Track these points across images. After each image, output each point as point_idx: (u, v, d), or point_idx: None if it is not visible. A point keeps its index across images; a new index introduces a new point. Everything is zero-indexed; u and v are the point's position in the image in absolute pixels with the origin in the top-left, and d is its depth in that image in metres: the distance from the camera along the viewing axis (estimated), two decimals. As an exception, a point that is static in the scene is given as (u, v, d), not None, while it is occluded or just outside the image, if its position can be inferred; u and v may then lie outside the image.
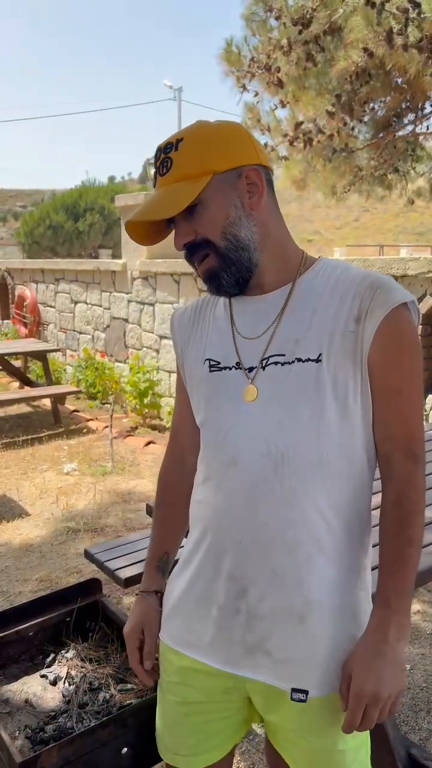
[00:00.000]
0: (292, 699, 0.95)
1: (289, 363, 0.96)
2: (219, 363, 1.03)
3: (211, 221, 0.95)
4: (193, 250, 0.98)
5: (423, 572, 1.65)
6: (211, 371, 1.04)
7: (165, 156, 0.97)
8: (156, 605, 1.13)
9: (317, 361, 0.94)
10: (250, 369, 0.99)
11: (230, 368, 1.01)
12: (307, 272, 1.01)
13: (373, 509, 1.05)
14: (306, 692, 0.95)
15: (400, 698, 0.94)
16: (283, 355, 0.96)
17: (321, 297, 0.97)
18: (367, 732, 1.02)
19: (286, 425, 0.94)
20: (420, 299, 3.81)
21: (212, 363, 1.04)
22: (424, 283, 3.79)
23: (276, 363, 0.97)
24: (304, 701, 0.95)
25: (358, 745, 1.02)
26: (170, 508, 1.19)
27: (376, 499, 1.02)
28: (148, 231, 1.03)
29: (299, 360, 0.95)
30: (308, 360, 0.94)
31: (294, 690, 0.95)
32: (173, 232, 1.01)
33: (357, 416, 0.95)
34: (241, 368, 1.00)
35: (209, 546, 1.02)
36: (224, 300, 1.09)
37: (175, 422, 1.22)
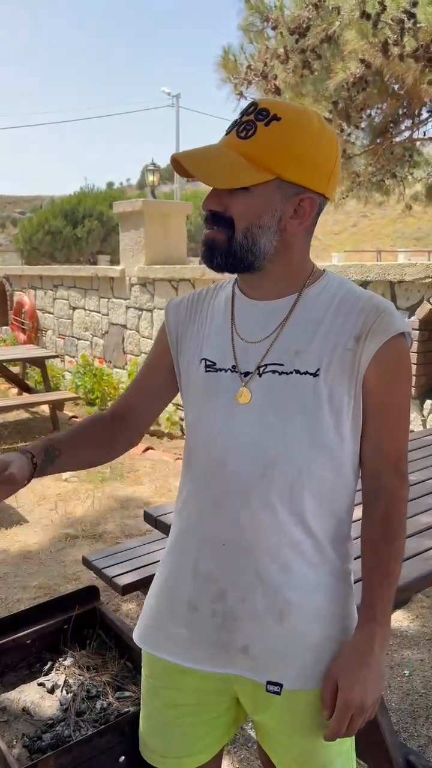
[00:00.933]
0: (267, 690, 0.98)
1: (287, 373, 0.96)
2: (215, 364, 1.03)
3: (245, 212, 0.93)
4: (214, 219, 0.96)
5: (421, 578, 1.65)
6: (206, 371, 1.03)
7: (254, 120, 0.91)
8: (26, 460, 1.04)
9: (315, 375, 0.95)
10: (246, 373, 0.99)
11: (225, 370, 1.01)
12: (313, 285, 1.01)
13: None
14: (281, 685, 0.98)
15: (377, 703, 0.98)
16: (282, 364, 0.97)
17: (325, 312, 0.98)
18: None
19: (278, 433, 0.96)
20: (417, 304, 3.82)
21: (208, 363, 1.03)
22: (421, 288, 3.80)
23: (274, 371, 0.97)
24: (278, 693, 0.98)
25: (343, 738, 1.04)
26: (87, 428, 1.15)
27: (356, 513, 1.05)
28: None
29: (297, 372, 0.96)
30: (306, 373, 0.95)
31: (269, 683, 0.98)
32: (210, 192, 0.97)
33: (347, 430, 0.97)
34: (236, 371, 1.00)
35: (191, 545, 1.03)
36: (225, 297, 1.08)
37: (128, 397, 1.17)
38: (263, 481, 0.96)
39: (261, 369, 0.98)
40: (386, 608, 0.99)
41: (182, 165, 0.94)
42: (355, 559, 1.07)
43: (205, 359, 1.04)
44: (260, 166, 0.90)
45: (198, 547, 1.02)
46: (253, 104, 0.94)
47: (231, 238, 0.95)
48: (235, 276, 1.07)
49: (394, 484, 1.00)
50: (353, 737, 1.07)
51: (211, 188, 0.96)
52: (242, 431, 0.97)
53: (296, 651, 0.99)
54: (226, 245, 0.95)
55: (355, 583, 1.20)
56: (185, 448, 1.10)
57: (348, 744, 1.06)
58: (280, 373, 0.97)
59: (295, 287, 1.00)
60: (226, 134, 0.96)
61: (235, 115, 0.97)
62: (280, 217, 0.94)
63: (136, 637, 1.12)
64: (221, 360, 1.02)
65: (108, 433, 1.16)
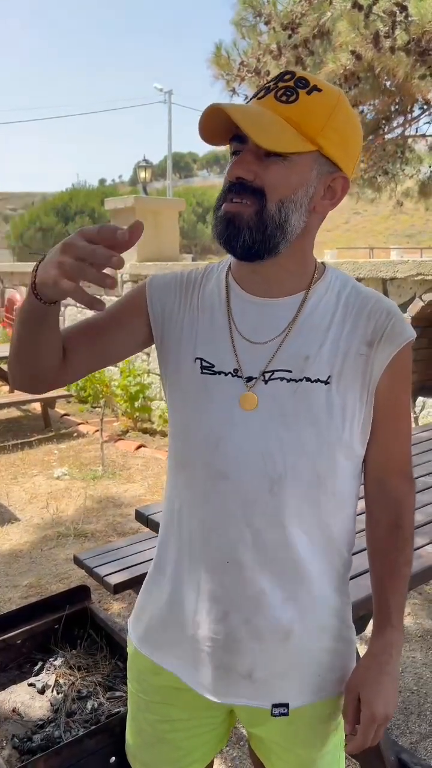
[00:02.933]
0: (273, 715, 0.94)
1: (296, 381, 0.89)
2: (213, 366, 0.92)
3: (280, 182, 0.84)
4: (240, 190, 0.85)
5: (413, 576, 1.64)
6: (202, 373, 0.93)
7: (294, 87, 0.84)
8: None
9: (326, 383, 0.88)
10: (250, 378, 0.90)
11: (226, 374, 0.91)
12: (318, 282, 0.94)
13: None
14: (287, 705, 0.94)
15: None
16: (290, 371, 0.89)
17: (334, 315, 0.91)
18: (342, 726, 1.03)
19: (288, 445, 0.88)
20: (409, 302, 3.83)
21: (205, 364, 0.93)
22: (413, 285, 3.80)
23: (281, 378, 0.89)
24: (286, 715, 0.94)
25: (339, 742, 1.04)
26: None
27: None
28: (218, 127, 0.86)
29: (308, 379, 0.89)
30: (317, 381, 0.88)
31: (274, 705, 0.94)
32: (235, 161, 0.86)
33: (357, 440, 0.91)
34: (239, 376, 0.91)
35: (193, 560, 0.96)
36: (218, 288, 0.97)
37: (72, 338, 0.97)
38: (270, 496, 0.89)
39: (267, 375, 0.90)
40: (401, 614, 0.96)
41: (232, 118, 0.81)
42: (354, 554, 1.05)
43: (201, 359, 0.93)
44: (304, 133, 0.83)
45: (200, 564, 0.95)
46: (290, 72, 0.86)
47: (262, 210, 0.84)
48: (227, 262, 0.98)
49: (403, 489, 0.98)
50: (343, 738, 1.06)
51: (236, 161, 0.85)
52: (247, 441, 0.89)
53: (298, 668, 0.95)
54: (256, 219, 0.84)
55: (351, 579, 1.17)
56: (174, 450, 1.00)
57: (340, 744, 1.05)
58: (289, 380, 0.89)
59: (302, 284, 0.93)
60: (258, 98, 0.86)
61: None
62: (313, 195, 0.86)
63: (136, 641, 1.05)
64: (220, 362, 0.92)
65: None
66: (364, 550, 1.04)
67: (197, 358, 0.94)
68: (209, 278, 1.00)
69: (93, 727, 1.57)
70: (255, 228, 0.85)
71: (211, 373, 0.93)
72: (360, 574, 1.38)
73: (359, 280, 4.04)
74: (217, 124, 0.85)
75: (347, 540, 0.98)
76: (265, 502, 0.89)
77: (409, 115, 5.95)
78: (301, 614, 0.93)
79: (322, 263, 0.98)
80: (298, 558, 0.91)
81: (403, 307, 3.85)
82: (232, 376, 0.91)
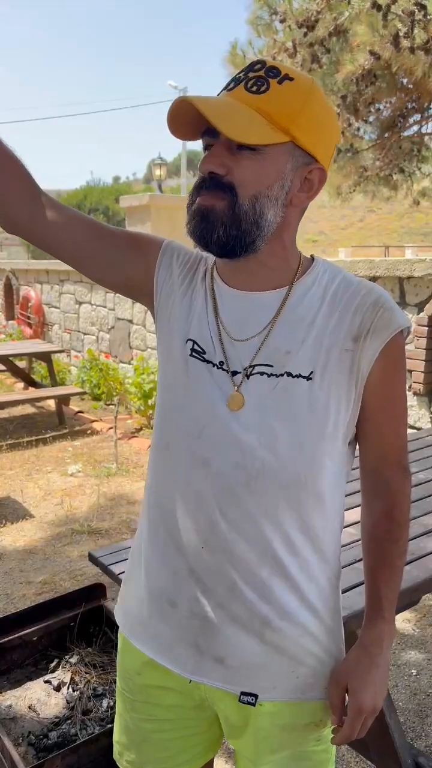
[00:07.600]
0: (240, 701, 0.92)
1: (277, 376, 0.87)
2: (204, 352, 0.92)
3: (252, 177, 0.81)
4: (212, 185, 0.83)
5: (430, 579, 1.63)
6: (191, 355, 0.92)
7: (264, 77, 0.81)
8: None
9: (308, 378, 0.86)
10: (234, 372, 0.90)
11: (215, 365, 0.91)
12: (304, 276, 0.92)
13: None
14: (255, 696, 0.92)
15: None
16: (271, 366, 0.88)
17: (319, 308, 0.89)
18: (330, 738, 1.01)
19: (267, 440, 0.87)
20: (426, 300, 3.79)
21: (197, 348, 0.93)
22: (430, 284, 3.77)
23: (262, 373, 0.88)
24: (253, 704, 0.92)
25: (326, 758, 1.01)
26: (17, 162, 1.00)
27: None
28: (189, 121, 0.84)
29: (289, 375, 0.87)
30: (299, 376, 0.87)
31: (243, 693, 0.92)
32: (208, 154, 0.84)
33: (340, 437, 0.89)
34: (225, 370, 0.90)
35: (173, 539, 0.95)
36: (207, 280, 0.96)
37: (68, 215, 0.97)
38: (248, 490, 0.88)
39: (249, 370, 0.89)
40: (393, 605, 0.95)
41: (199, 110, 0.78)
42: (357, 562, 1.04)
43: (194, 341, 0.93)
44: (276, 124, 0.80)
45: (178, 543, 0.94)
46: (261, 62, 0.84)
47: (235, 206, 0.82)
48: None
49: (398, 480, 0.96)
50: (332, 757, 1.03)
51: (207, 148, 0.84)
52: (229, 433, 0.88)
53: (274, 663, 0.93)
54: (230, 213, 0.82)
55: (351, 589, 1.15)
56: (160, 429, 0.98)
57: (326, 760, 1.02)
58: (269, 375, 0.87)
59: (285, 279, 0.91)
60: (228, 90, 0.84)
61: None
62: (289, 189, 0.84)
63: (125, 629, 1.04)
64: (210, 352, 0.92)
65: (23, 185, 0.97)
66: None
67: (189, 339, 0.94)
68: (201, 266, 0.99)
69: (109, 725, 1.57)
70: (229, 224, 0.83)
71: (201, 360, 0.92)
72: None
73: (375, 278, 4.01)
74: (188, 119, 0.83)
75: (333, 543, 0.95)
76: (241, 495, 0.88)
77: (426, 113, 5.90)
78: (281, 612, 0.91)
79: (311, 256, 0.96)
80: (277, 556, 0.90)
81: (420, 306, 3.82)
82: (218, 368, 0.91)
